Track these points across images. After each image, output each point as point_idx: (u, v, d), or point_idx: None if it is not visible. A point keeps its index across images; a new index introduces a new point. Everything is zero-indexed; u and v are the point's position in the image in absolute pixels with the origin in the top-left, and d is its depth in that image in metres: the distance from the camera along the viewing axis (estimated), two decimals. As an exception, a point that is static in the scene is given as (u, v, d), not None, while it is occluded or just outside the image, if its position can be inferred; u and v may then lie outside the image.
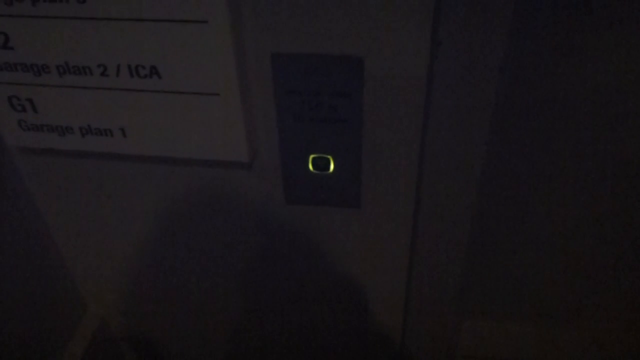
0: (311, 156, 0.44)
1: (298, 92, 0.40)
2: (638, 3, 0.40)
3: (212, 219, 0.52)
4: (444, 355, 0.64)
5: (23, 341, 0.56)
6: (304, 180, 0.46)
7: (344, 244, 0.51)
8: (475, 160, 0.44)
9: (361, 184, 0.46)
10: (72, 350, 0.62)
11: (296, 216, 0.50)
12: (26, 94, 0.43)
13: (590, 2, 0.40)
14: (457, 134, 0.43)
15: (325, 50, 0.38)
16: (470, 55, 0.38)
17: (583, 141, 0.49)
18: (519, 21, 0.41)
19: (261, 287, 0.59)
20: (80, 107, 0.43)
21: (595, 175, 0.51)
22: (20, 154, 0.50)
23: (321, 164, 0.45)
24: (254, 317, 0.63)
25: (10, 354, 0.54)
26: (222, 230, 0.53)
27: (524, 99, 0.47)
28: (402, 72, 0.38)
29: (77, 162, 0.50)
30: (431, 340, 0.62)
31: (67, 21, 0.38)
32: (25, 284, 0.55)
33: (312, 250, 0.53)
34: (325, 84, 0.40)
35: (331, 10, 0.36)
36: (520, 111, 0.48)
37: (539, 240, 0.58)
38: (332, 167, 0.45)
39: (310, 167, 0.45)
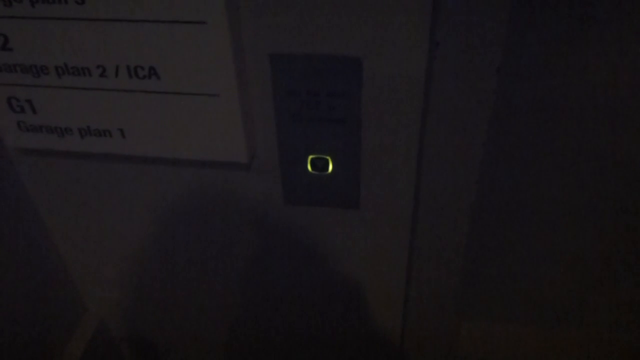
0: (310, 157, 0.44)
1: (297, 92, 0.41)
2: (638, 3, 0.40)
3: (211, 220, 0.52)
4: (444, 356, 0.64)
5: (22, 342, 0.56)
6: (303, 181, 0.46)
7: (343, 244, 0.51)
8: (473, 161, 0.44)
9: (360, 185, 0.46)
10: (71, 351, 0.62)
11: (295, 217, 0.50)
12: (25, 95, 0.43)
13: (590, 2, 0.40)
14: (456, 135, 0.43)
15: (323, 51, 0.38)
16: (469, 55, 0.38)
17: (583, 141, 0.49)
18: (517, 21, 0.41)
19: (260, 288, 0.59)
20: (79, 108, 0.43)
21: (596, 176, 0.51)
22: (20, 155, 0.50)
23: (320, 165, 0.45)
24: (253, 318, 0.63)
25: (9, 354, 0.54)
26: (221, 230, 0.53)
27: (522, 99, 0.47)
28: (401, 72, 0.38)
29: (76, 163, 0.50)
30: (430, 342, 0.62)
31: (66, 22, 0.38)
32: (25, 284, 0.55)
33: (311, 251, 0.53)
34: (323, 85, 0.40)
35: (329, 11, 0.36)
36: (518, 111, 0.48)
37: (539, 242, 0.58)
38: (330, 167, 0.45)
39: (309, 167, 0.45)
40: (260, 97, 0.42)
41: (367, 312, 0.58)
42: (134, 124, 0.43)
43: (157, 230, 0.55)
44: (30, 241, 0.55)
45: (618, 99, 0.46)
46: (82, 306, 0.66)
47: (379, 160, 0.44)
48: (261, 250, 0.54)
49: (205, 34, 0.37)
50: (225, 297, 0.61)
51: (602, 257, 0.58)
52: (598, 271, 0.60)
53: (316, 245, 0.52)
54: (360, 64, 0.38)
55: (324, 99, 0.40)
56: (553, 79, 0.45)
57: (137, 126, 0.43)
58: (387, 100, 0.40)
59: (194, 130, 0.42)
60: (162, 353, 0.72)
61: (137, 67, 0.39)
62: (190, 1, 0.35)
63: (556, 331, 0.66)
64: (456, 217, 0.49)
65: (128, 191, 0.51)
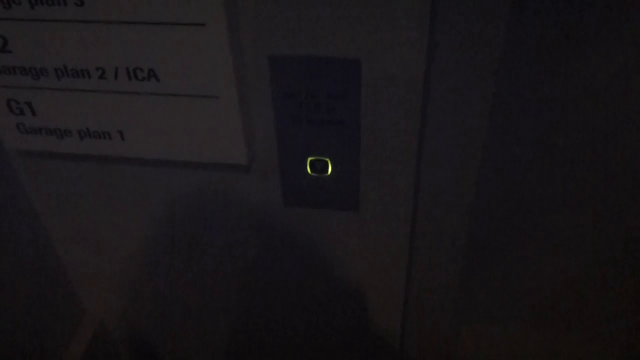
0: (309, 159, 0.44)
1: (296, 94, 0.41)
2: (637, 3, 0.40)
3: (211, 222, 0.52)
4: (444, 358, 0.64)
5: (22, 344, 0.56)
6: (303, 183, 0.46)
7: (343, 246, 0.51)
8: (473, 163, 0.44)
9: (359, 187, 0.46)
10: (71, 353, 0.62)
11: (294, 219, 0.50)
12: (25, 97, 0.43)
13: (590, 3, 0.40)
14: (455, 136, 0.43)
15: (322, 53, 0.38)
16: (468, 56, 0.38)
17: (582, 142, 0.49)
18: (516, 22, 0.41)
19: (260, 290, 0.59)
20: (78, 110, 0.43)
21: (596, 177, 0.51)
22: (19, 157, 0.50)
23: (319, 167, 0.45)
24: (252, 320, 0.63)
25: (9, 357, 0.54)
26: (221, 233, 0.53)
27: (522, 100, 0.47)
28: (400, 74, 0.38)
29: (75, 165, 0.50)
30: (430, 344, 0.62)
31: (65, 24, 0.38)
32: (24, 287, 0.55)
33: (310, 253, 0.53)
34: (323, 87, 0.40)
35: (328, 12, 0.36)
36: (518, 112, 0.48)
37: (539, 243, 0.58)
38: (330, 169, 0.45)
39: (309, 169, 0.45)
40: (260, 99, 0.42)
41: (367, 315, 0.58)
42: (133, 126, 0.43)
43: (157, 233, 0.55)
44: (29, 243, 0.55)
45: (618, 99, 0.46)
46: (81, 308, 0.66)
47: (379, 162, 0.44)
48: (261, 252, 0.54)
49: (205, 36, 0.37)
50: (224, 299, 0.61)
51: (602, 258, 0.58)
52: (599, 272, 0.60)
53: (316, 248, 0.52)
54: (360, 65, 0.38)
55: (323, 101, 0.40)
56: (553, 80, 0.45)
57: (136, 128, 0.43)
58: (386, 102, 0.40)
59: (194, 132, 0.42)
60: (162, 355, 0.72)
61: (136, 69, 0.39)
62: (189, 3, 0.35)
63: (557, 333, 0.66)
64: (456, 219, 0.49)
65: (128, 193, 0.51)
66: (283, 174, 0.46)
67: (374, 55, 0.38)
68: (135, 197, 0.51)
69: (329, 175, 0.45)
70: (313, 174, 0.45)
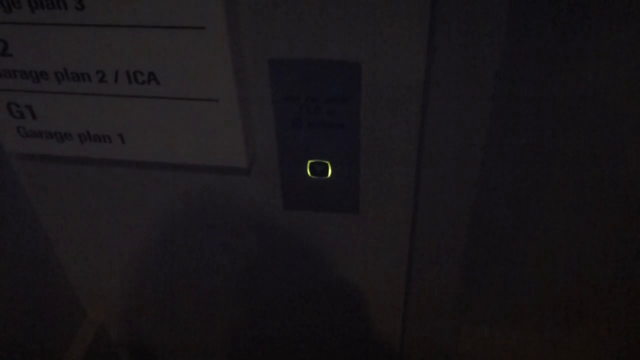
0: (309, 161, 0.44)
1: (296, 97, 0.41)
2: (637, 4, 0.40)
3: (211, 225, 0.52)
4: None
5: (22, 346, 0.55)
6: (302, 186, 0.46)
7: (342, 249, 0.51)
8: (473, 164, 0.44)
9: (359, 189, 0.46)
10: (71, 355, 0.62)
11: (294, 221, 0.50)
12: (25, 100, 0.43)
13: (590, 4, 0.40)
14: (455, 138, 0.43)
15: (322, 56, 0.38)
16: (467, 59, 0.38)
17: (582, 142, 0.49)
18: (515, 25, 0.41)
19: (260, 293, 0.59)
20: (78, 113, 0.43)
21: (596, 178, 0.51)
22: (19, 160, 0.50)
23: (319, 169, 0.45)
24: (252, 323, 0.63)
25: (9, 358, 0.54)
26: (221, 235, 0.53)
27: (521, 103, 0.47)
28: (400, 77, 0.38)
29: (75, 168, 0.50)
30: (430, 346, 0.62)
31: (65, 28, 0.38)
32: (24, 289, 0.55)
33: (310, 256, 0.53)
34: (322, 90, 0.40)
35: (328, 15, 0.36)
36: (517, 115, 0.48)
37: (539, 244, 0.58)
38: (330, 172, 0.45)
39: (308, 172, 0.45)
40: (260, 102, 0.42)
41: (366, 317, 0.58)
42: (133, 129, 0.43)
43: (157, 235, 0.55)
44: (29, 246, 0.55)
45: (617, 100, 0.46)
46: (81, 312, 0.65)
47: (378, 165, 0.44)
48: (261, 254, 0.54)
49: (205, 39, 0.37)
50: (224, 302, 0.61)
51: (602, 261, 0.58)
52: (599, 274, 0.60)
53: (315, 250, 0.52)
54: (360, 68, 0.38)
55: (323, 104, 0.40)
56: (553, 82, 0.45)
57: (136, 131, 0.43)
58: (386, 105, 0.40)
59: (194, 135, 0.42)
60: (162, 357, 0.72)
61: (136, 73, 0.39)
62: (189, 6, 0.35)
63: (556, 334, 0.66)
64: (456, 221, 0.49)
65: (128, 196, 0.51)
66: (283, 177, 0.46)
67: (374, 59, 0.38)
68: (135, 199, 0.51)
69: (328, 178, 0.45)
70: (313, 177, 0.45)
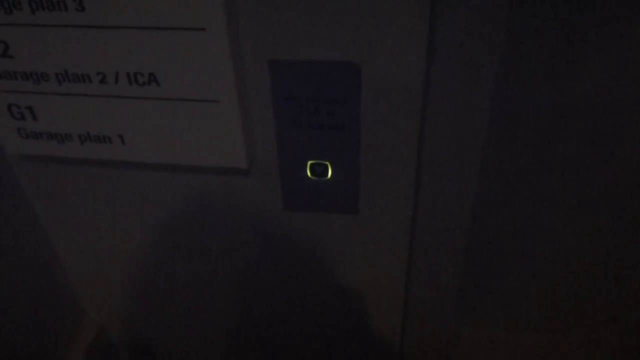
0: (309, 162, 0.45)
1: (296, 98, 0.41)
2: (637, 5, 0.40)
3: (211, 225, 0.52)
4: (444, 360, 0.64)
5: (22, 348, 0.56)
6: (302, 187, 0.46)
7: (342, 250, 0.51)
8: (473, 165, 0.44)
9: (359, 190, 0.46)
10: (71, 356, 0.62)
11: (294, 222, 0.50)
12: (25, 102, 0.43)
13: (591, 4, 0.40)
14: (454, 140, 0.43)
15: (322, 57, 0.38)
16: (466, 61, 0.38)
17: (582, 143, 0.49)
18: (515, 25, 0.41)
19: (260, 294, 0.59)
20: (79, 114, 0.43)
21: (596, 178, 0.51)
22: (20, 162, 0.50)
23: (319, 170, 0.45)
24: (252, 323, 0.63)
25: (9, 359, 0.54)
26: (220, 236, 0.53)
27: (521, 100, 0.47)
28: (399, 78, 0.38)
29: (76, 169, 0.50)
30: (430, 346, 0.62)
31: (66, 29, 0.38)
32: (24, 290, 0.55)
33: (310, 256, 0.53)
34: (322, 91, 0.40)
35: (328, 17, 0.36)
36: (518, 112, 0.48)
37: (538, 248, 0.58)
38: (330, 173, 0.45)
39: (308, 173, 0.45)
40: (260, 103, 0.42)
41: (366, 318, 0.58)
42: (133, 130, 0.43)
43: (157, 236, 0.55)
44: (30, 247, 0.55)
45: (617, 102, 0.46)
46: (81, 312, 0.66)
47: (378, 166, 0.44)
48: (261, 255, 0.54)
49: (205, 41, 0.37)
50: (225, 302, 0.61)
51: (602, 263, 0.58)
52: (599, 274, 0.60)
53: (315, 251, 0.52)
54: (359, 69, 0.38)
55: (323, 105, 0.41)
56: (553, 83, 0.45)
57: (137, 132, 0.43)
58: (386, 106, 0.40)
59: (194, 136, 0.42)
60: (162, 358, 0.72)
61: (136, 74, 0.40)
62: (189, 8, 0.35)
63: (556, 335, 0.66)
64: (455, 222, 0.49)
65: (128, 197, 0.51)
66: (283, 177, 0.46)
67: (374, 59, 0.38)
68: (135, 200, 0.51)
69: (328, 179, 0.45)
70: (313, 177, 0.45)
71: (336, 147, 0.43)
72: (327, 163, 0.44)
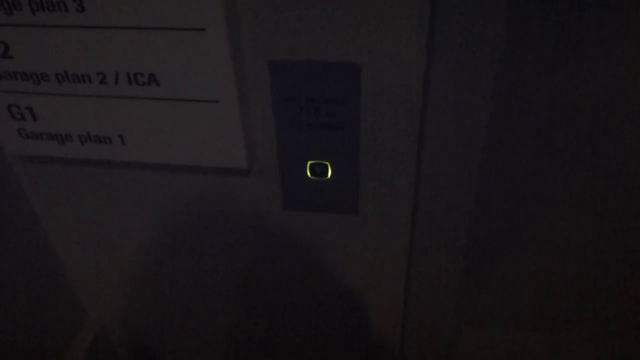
0: (309, 162, 0.45)
1: (296, 98, 0.41)
2: (637, 5, 0.40)
3: (211, 225, 0.52)
4: (444, 360, 0.64)
5: (22, 347, 0.56)
6: (302, 187, 0.46)
7: (342, 250, 0.51)
8: (472, 165, 0.44)
9: (359, 190, 0.46)
10: (71, 356, 0.62)
11: (294, 222, 0.50)
12: (26, 102, 0.43)
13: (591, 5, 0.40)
14: (454, 140, 0.43)
15: (322, 57, 0.38)
16: (466, 61, 0.38)
17: (582, 143, 0.49)
18: (515, 25, 0.41)
19: (260, 294, 0.59)
20: (79, 115, 0.43)
21: (596, 177, 0.51)
22: (20, 162, 0.50)
23: (319, 170, 0.45)
24: (252, 323, 0.63)
25: (9, 359, 0.54)
26: (221, 236, 0.53)
27: (521, 100, 0.47)
28: (399, 78, 0.38)
29: (76, 170, 0.50)
30: (430, 345, 0.62)
31: (66, 30, 0.38)
32: (25, 291, 0.55)
33: (310, 256, 0.53)
34: (322, 91, 0.40)
35: (328, 17, 0.36)
36: (517, 112, 0.48)
37: (539, 244, 0.58)
38: (329, 173, 0.45)
39: (308, 173, 0.45)
40: (260, 103, 0.42)
41: (366, 318, 0.58)
42: (133, 130, 0.43)
43: (157, 236, 0.55)
44: (30, 247, 0.55)
45: (618, 99, 0.46)
46: (82, 312, 0.66)
47: (378, 166, 0.44)
48: (260, 255, 0.54)
49: (205, 41, 0.37)
50: (225, 303, 0.61)
51: (602, 258, 0.58)
52: (599, 273, 0.60)
53: (315, 251, 0.52)
54: (359, 70, 0.38)
55: (323, 105, 0.41)
56: (553, 83, 0.45)
57: (137, 132, 0.43)
58: (385, 106, 0.40)
59: (194, 136, 0.42)
60: (162, 358, 0.72)
61: (137, 74, 0.40)
62: (189, 8, 0.35)
63: (556, 335, 0.66)
64: (455, 222, 0.49)
65: (128, 197, 0.51)
66: (283, 177, 0.46)
67: (374, 59, 0.38)
68: (135, 200, 0.51)
69: (328, 179, 0.45)
70: (313, 177, 0.45)
71: (336, 147, 0.43)
72: (327, 163, 0.44)
